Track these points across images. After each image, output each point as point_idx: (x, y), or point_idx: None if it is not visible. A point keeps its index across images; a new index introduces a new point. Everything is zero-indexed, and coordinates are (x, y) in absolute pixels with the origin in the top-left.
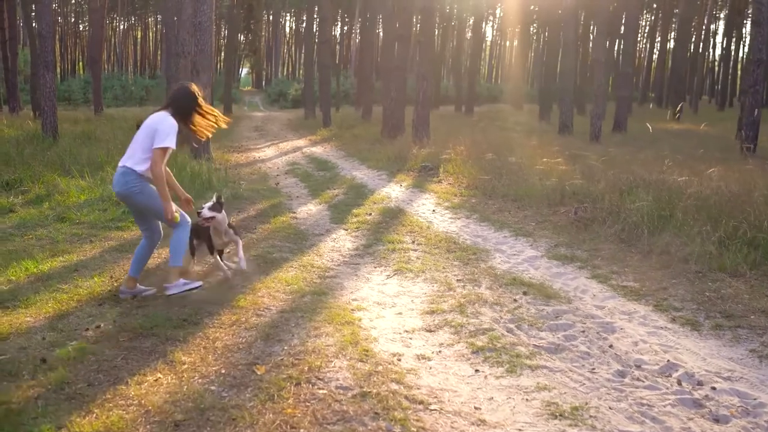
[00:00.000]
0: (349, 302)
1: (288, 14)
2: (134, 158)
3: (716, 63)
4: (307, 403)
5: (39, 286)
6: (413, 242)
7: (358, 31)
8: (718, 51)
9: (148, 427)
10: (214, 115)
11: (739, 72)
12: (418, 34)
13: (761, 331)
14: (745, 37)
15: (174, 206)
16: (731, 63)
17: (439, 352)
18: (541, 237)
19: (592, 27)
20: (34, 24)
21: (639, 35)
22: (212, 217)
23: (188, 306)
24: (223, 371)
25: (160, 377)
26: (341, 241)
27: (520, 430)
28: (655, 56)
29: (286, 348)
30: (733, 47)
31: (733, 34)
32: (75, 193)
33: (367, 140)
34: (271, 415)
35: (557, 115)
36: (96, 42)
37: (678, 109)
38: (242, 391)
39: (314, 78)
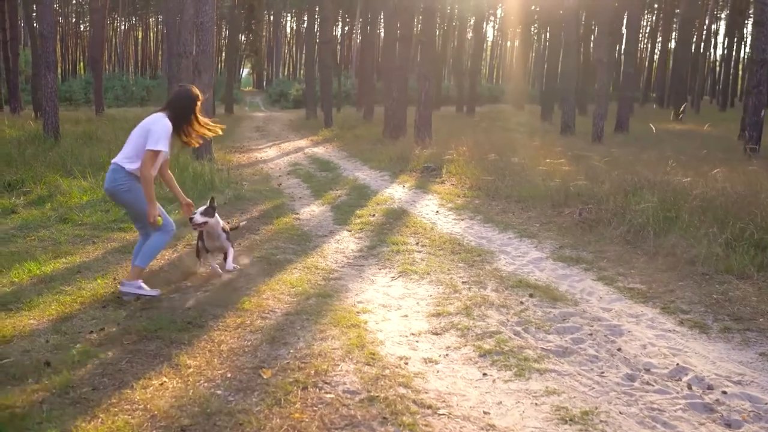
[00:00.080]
0: (354, 304)
1: (289, 14)
2: (126, 156)
3: (717, 63)
4: (315, 408)
5: (42, 288)
6: (417, 244)
7: (359, 31)
8: (719, 51)
9: None
10: (208, 128)
11: (740, 72)
12: (420, 34)
13: None
14: (746, 38)
15: (159, 210)
16: (732, 63)
17: (446, 355)
18: (546, 238)
19: (593, 27)
20: (35, 24)
21: (640, 35)
22: (204, 223)
23: (192, 308)
24: (228, 375)
25: (165, 381)
26: (345, 243)
27: None
28: (656, 56)
29: (292, 351)
30: (734, 47)
31: (735, 35)
32: (77, 193)
33: (369, 141)
34: (278, 420)
35: (559, 116)
36: (97, 42)
37: (681, 109)
38: (248, 395)
39: (315, 78)
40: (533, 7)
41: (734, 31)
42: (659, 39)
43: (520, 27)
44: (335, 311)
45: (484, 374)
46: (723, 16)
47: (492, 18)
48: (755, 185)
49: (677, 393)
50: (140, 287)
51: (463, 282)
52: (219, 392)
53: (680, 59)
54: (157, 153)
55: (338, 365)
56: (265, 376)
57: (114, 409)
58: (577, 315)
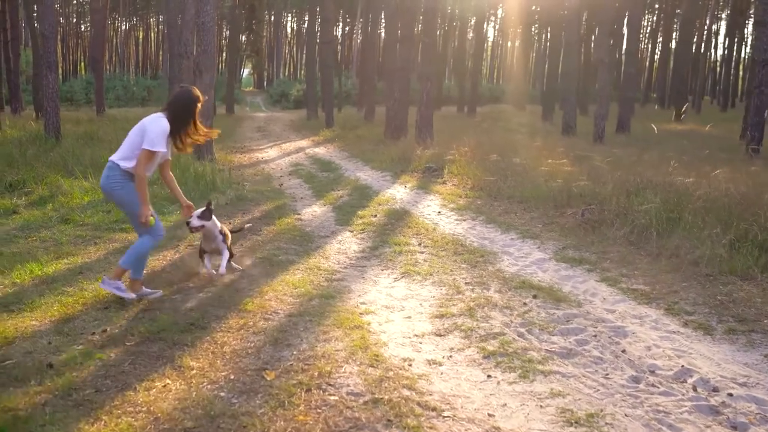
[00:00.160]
0: (357, 306)
1: (289, 15)
2: (122, 155)
3: (718, 63)
4: (319, 410)
5: (44, 289)
6: (420, 244)
7: (360, 31)
8: (720, 51)
9: None
10: (203, 134)
11: (741, 72)
12: (421, 34)
13: None
14: (747, 38)
15: (151, 211)
16: (733, 63)
17: (450, 357)
18: (549, 239)
19: (594, 27)
20: (36, 24)
21: (640, 36)
22: (201, 226)
23: (195, 310)
24: (232, 377)
25: (168, 383)
26: (347, 243)
27: None
28: (656, 57)
29: (295, 353)
30: (735, 48)
31: (736, 35)
32: (78, 194)
33: (371, 141)
34: (282, 423)
35: (560, 116)
36: (98, 42)
37: (683, 109)
38: (252, 397)
39: (316, 78)
40: (534, 8)
41: (735, 31)
42: (660, 39)
43: (520, 27)
44: (338, 312)
45: (489, 376)
46: (724, 16)
47: (493, 18)
48: (758, 186)
49: (683, 395)
50: (118, 287)
51: (466, 283)
52: (222, 394)
53: (681, 59)
54: (152, 153)
55: (342, 367)
56: (268, 378)
57: (117, 411)
58: (581, 316)
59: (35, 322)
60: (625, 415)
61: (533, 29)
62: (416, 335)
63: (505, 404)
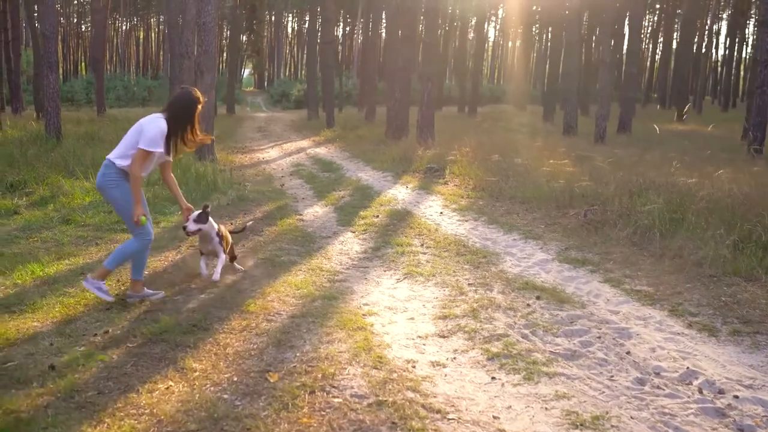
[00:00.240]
0: (360, 307)
1: (290, 15)
2: (118, 153)
3: (719, 63)
4: (323, 412)
5: (45, 290)
6: (422, 245)
7: (360, 31)
8: (721, 51)
9: None
10: (198, 139)
11: (741, 72)
12: (422, 34)
13: None
14: (748, 38)
15: (143, 211)
16: (734, 63)
17: (454, 358)
18: (551, 240)
19: (595, 27)
20: (37, 24)
21: (641, 36)
22: (198, 230)
23: (197, 311)
24: (235, 379)
25: (171, 385)
26: (349, 244)
27: None
28: (657, 57)
29: (298, 354)
30: (736, 48)
31: (737, 35)
32: (79, 194)
33: (372, 141)
34: (286, 425)
35: (561, 116)
36: (99, 42)
37: (685, 109)
38: (256, 399)
39: (317, 78)
40: (535, 8)
41: (736, 31)
42: (660, 39)
43: (521, 27)
44: (341, 314)
45: (493, 378)
46: (725, 16)
47: (493, 18)
48: (761, 186)
49: (688, 397)
50: (100, 288)
51: (469, 284)
52: (226, 396)
53: (682, 59)
54: (148, 153)
55: (345, 369)
56: (271, 380)
57: (120, 413)
58: (585, 318)
59: (37, 323)
60: (631, 417)
61: (534, 29)
62: (420, 337)
63: (510, 406)
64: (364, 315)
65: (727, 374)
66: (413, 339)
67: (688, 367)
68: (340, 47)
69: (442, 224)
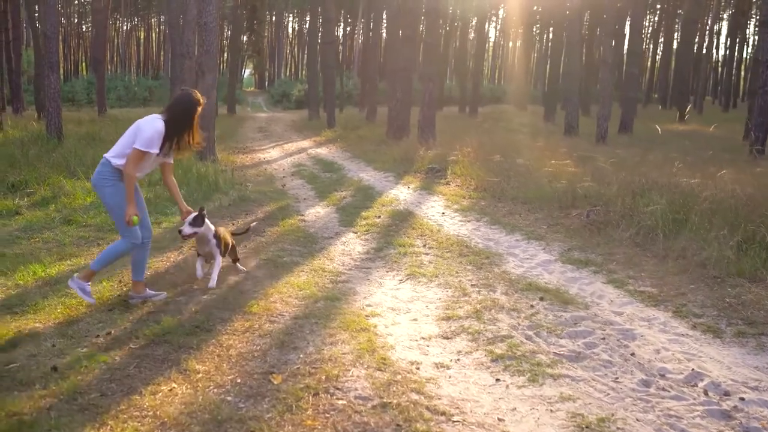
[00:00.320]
0: (363, 308)
1: (291, 15)
2: (115, 152)
3: (720, 64)
4: (327, 415)
5: (47, 291)
6: (424, 246)
7: (361, 31)
8: (722, 51)
9: None
10: (195, 142)
11: (742, 73)
12: (423, 35)
13: None
14: (749, 38)
15: (135, 211)
16: (735, 64)
17: (458, 360)
18: (554, 240)
19: (596, 27)
20: (37, 24)
21: (642, 36)
22: (194, 233)
23: (200, 312)
24: (238, 380)
25: (174, 387)
26: (351, 245)
27: None
28: (658, 57)
29: (301, 356)
30: (736, 48)
31: (737, 35)
32: (81, 195)
33: (373, 141)
34: (290, 428)
35: (562, 116)
36: (99, 43)
37: (687, 110)
38: (259, 401)
39: (318, 79)
40: (535, 8)
41: (737, 31)
42: (661, 39)
43: (522, 27)
44: (344, 315)
45: (497, 380)
46: (725, 16)
47: (494, 18)
48: (764, 187)
49: (694, 399)
50: (83, 289)
51: (472, 285)
52: (229, 398)
53: (683, 59)
54: (143, 153)
55: (349, 370)
56: (275, 382)
57: (123, 415)
58: (589, 319)
59: (39, 325)
60: (637, 419)
61: (535, 29)
62: (423, 338)
63: (515, 408)
64: (367, 316)
65: (733, 376)
66: (417, 340)
67: (693, 369)
68: (340, 47)
69: (445, 225)
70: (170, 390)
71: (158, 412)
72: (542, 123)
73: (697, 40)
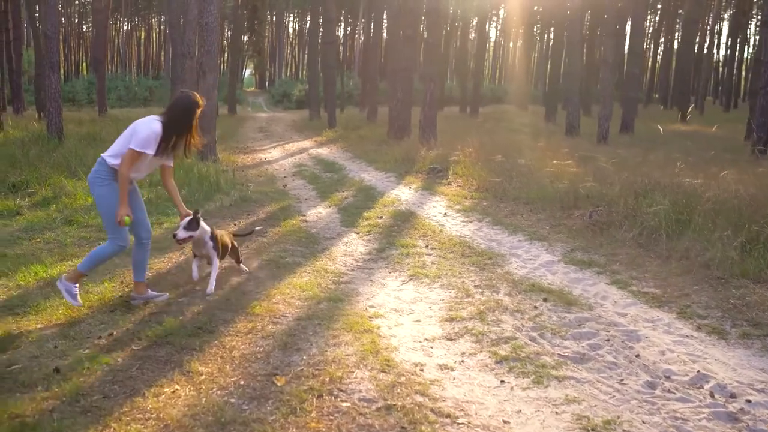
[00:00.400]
0: (366, 309)
1: (291, 15)
2: (112, 151)
3: (720, 64)
4: (331, 417)
5: (48, 292)
6: (427, 246)
7: (362, 31)
8: (723, 51)
9: None
10: (194, 144)
11: (743, 73)
12: (423, 35)
13: None
14: (750, 38)
15: (127, 211)
16: (735, 64)
17: (462, 361)
18: (557, 241)
19: (597, 27)
20: (38, 24)
21: (643, 36)
22: (189, 237)
23: (202, 313)
24: (242, 382)
25: (177, 389)
26: (353, 245)
27: None
28: (659, 57)
29: (305, 358)
30: (737, 48)
31: (738, 35)
32: (82, 195)
33: (374, 141)
34: (294, 430)
35: (563, 116)
36: (100, 43)
37: (689, 110)
38: (263, 403)
39: (318, 79)
40: (536, 8)
41: (737, 31)
42: (662, 39)
43: (522, 27)
44: (347, 316)
45: (502, 381)
46: (726, 16)
47: (495, 18)
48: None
49: (700, 401)
50: (69, 292)
51: (475, 286)
52: (233, 400)
53: (684, 59)
54: (138, 154)
55: (353, 372)
56: (279, 384)
57: (126, 418)
58: (593, 320)
59: (40, 326)
60: (643, 422)
61: (535, 29)
62: (427, 339)
63: (520, 410)
64: (370, 317)
65: (738, 378)
66: (420, 342)
67: (698, 371)
68: (341, 47)
69: (447, 225)
70: (173, 392)
71: (161, 414)
72: (543, 123)
73: (698, 40)
